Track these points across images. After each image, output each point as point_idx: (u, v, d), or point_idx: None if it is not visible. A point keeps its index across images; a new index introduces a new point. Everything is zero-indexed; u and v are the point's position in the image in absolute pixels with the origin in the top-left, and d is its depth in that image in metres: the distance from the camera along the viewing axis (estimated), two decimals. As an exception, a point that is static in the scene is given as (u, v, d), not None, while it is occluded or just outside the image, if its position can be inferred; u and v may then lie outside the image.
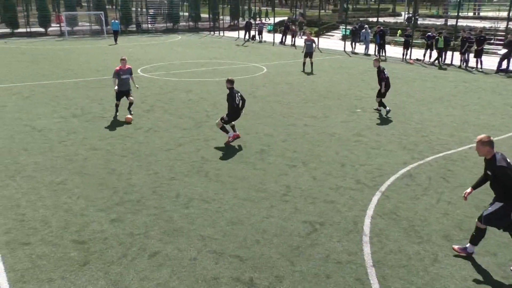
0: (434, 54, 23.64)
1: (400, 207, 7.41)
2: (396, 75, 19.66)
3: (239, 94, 10.27)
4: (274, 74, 20.12)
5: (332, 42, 34.70)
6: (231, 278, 5.54)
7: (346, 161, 9.49)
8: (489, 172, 5.62)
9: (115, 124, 12.08)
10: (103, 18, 37.80)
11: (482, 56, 21.99)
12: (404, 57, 24.92)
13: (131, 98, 12.67)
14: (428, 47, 23.94)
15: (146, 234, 6.51)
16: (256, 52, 28.46)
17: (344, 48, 29.73)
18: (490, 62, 22.56)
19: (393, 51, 27.81)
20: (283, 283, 5.44)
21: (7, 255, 5.95)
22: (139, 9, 47.79)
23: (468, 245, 6.04)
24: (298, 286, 5.41)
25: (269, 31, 40.73)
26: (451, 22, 34.66)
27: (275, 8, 72.67)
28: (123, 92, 12.52)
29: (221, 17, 45.09)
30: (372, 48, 27.87)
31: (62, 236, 6.42)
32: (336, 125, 12.19)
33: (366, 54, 27.53)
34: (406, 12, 48.31)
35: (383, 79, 12.99)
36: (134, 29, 41.84)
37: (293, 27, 34.33)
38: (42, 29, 38.22)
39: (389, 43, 30.06)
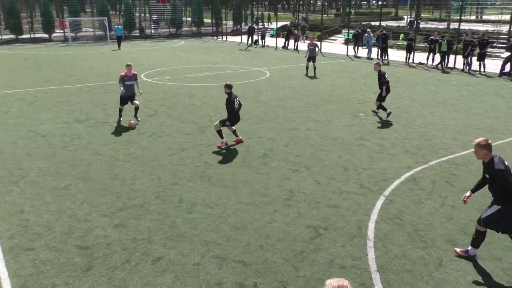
0: (437, 57, 23.61)
1: (404, 212, 7.39)
2: (399, 79, 19.65)
3: (237, 98, 10.34)
4: (277, 79, 20.14)
5: (334, 46, 34.75)
6: (234, 283, 5.52)
7: (349, 165, 9.47)
8: (487, 175, 5.64)
9: (118, 129, 12.12)
10: (106, 24, 37.98)
11: (485, 60, 21.95)
12: (407, 60, 24.91)
13: (135, 102, 12.72)
14: (431, 50, 23.91)
15: (150, 239, 6.51)
16: (259, 57, 28.52)
17: (347, 52, 29.75)
18: (493, 65, 22.51)
19: (396, 55, 27.79)
20: (287, 288, 5.42)
21: (10, 261, 5.96)
22: (142, 14, 48.03)
23: (469, 248, 6.04)
24: (302, 291, 5.38)
25: (271, 36, 40.85)
26: (454, 25, 34.64)
27: (278, 13, 72.54)
28: (127, 97, 12.58)
29: (224, 22, 45.25)
30: (374, 52, 27.91)
31: (65, 242, 6.43)
32: (339, 129, 12.18)
33: (369, 58, 27.52)
34: (409, 16, 48.24)
35: (384, 83, 13.02)
36: (138, 34, 42.04)
37: (296, 32, 34.39)
38: (46, 35, 38.44)
39: (391, 47, 30.05)
